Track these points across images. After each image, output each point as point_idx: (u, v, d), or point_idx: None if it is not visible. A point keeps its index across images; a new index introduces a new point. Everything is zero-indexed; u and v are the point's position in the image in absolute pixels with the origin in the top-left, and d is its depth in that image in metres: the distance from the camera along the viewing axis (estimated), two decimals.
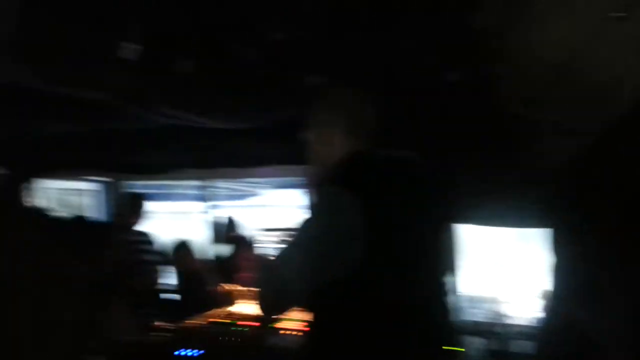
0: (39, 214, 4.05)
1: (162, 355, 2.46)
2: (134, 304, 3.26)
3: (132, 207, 3.90)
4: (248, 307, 2.82)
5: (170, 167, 4.14)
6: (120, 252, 3.53)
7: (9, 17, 1.53)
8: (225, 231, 4.05)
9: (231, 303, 2.94)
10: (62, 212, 4.63)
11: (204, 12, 1.85)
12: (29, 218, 4.02)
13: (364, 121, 1.54)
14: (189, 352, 2.32)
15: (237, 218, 4.10)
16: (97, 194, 4.91)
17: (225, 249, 3.99)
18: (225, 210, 4.68)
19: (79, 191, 5.13)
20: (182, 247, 3.84)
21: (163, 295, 3.99)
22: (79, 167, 4.46)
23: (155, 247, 4.01)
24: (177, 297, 3.86)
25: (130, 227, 3.83)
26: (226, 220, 4.13)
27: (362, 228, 1.29)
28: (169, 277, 3.99)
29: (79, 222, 4.05)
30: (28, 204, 4.51)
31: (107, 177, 4.62)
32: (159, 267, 3.94)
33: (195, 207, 4.91)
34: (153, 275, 3.98)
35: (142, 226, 3.91)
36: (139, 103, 2.32)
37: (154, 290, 3.95)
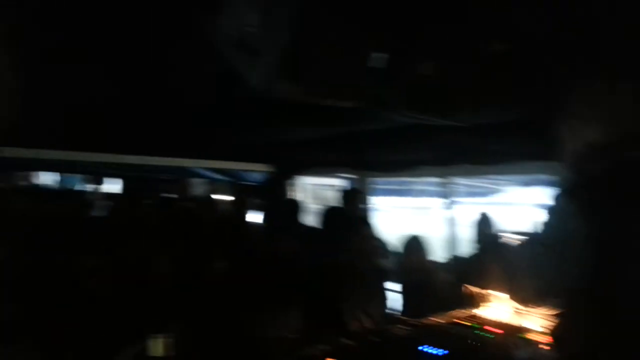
0: (299, 204, 4.63)
1: (406, 348, 2.54)
2: (372, 295, 3.45)
3: (353, 201, 4.14)
4: (493, 312, 2.71)
5: (412, 165, 4.27)
6: (363, 243, 3.75)
7: (280, 46, 1.80)
8: (477, 230, 3.88)
9: (475, 305, 2.87)
10: (317, 205, 5.20)
11: (454, 18, 1.84)
12: (291, 208, 4.65)
13: (626, 118, 1.32)
14: (434, 351, 2.35)
15: (489, 216, 3.90)
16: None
17: (470, 248, 3.89)
18: (465, 207, 4.59)
19: (332, 187, 5.69)
20: (414, 242, 3.88)
21: (394, 289, 4.11)
22: (332, 165, 4.97)
23: (385, 239, 4.13)
24: (407, 292, 3.89)
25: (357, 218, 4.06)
26: (476, 218, 3.97)
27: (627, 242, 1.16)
28: (400, 272, 4.03)
29: (333, 213, 4.44)
30: (291, 196, 5.23)
31: (355, 174, 5.00)
32: (390, 260, 4.05)
33: (435, 203, 4.94)
34: (385, 267, 4.13)
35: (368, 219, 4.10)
36: (386, 107, 2.45)
37: (386, 282, 4.09)
